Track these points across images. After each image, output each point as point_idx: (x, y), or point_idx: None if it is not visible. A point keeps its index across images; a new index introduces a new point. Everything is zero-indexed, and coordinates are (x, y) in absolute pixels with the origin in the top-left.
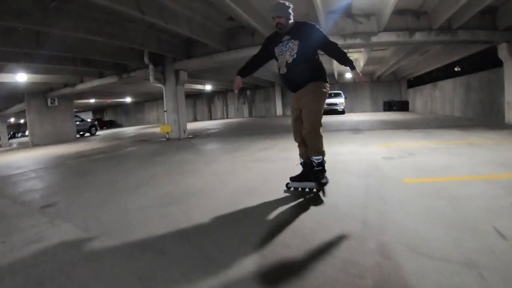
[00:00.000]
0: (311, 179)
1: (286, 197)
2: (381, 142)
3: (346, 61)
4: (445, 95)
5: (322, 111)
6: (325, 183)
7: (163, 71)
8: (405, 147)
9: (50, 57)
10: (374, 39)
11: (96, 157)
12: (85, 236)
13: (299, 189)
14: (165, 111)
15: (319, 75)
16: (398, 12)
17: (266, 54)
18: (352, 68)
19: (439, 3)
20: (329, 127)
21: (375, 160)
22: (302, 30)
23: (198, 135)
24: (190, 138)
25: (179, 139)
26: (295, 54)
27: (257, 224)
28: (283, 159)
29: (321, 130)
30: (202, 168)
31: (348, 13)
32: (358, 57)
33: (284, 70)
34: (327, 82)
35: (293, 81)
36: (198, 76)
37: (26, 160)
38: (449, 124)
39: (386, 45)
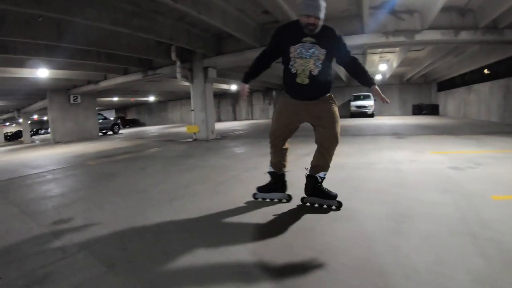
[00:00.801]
0: (309, 193)
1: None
2: (434, 149)
3: (368, 79)
4: (480, 99)
5: None
6: (337, 196)
7: (191, 68)
8: (466, 155)
9: (72, 51)
10: (418, 37)
11: (119, 158)
12: (108, 277)
13: (267, 200)
14: (192, 110)
15: (331, 86)
16: (443, 9)
17: (277, 52)
18: (373, 85)
19: (486, 0)
20: (365, 131)
21: (442, 171)
22: (331, 38)
23: (227, 136)
24: (219, 139)
25: (207, 140)
26: (321, 65)
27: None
28: (332, 166)
29: None
30: (245, 176)
31: (391, 9)
32: (392, 58)
33: (306, 80)
34: None
35: (312, 93)
36: (223, 75)
37: (45, 159)
38: (494, 130)
39: (430, 44)
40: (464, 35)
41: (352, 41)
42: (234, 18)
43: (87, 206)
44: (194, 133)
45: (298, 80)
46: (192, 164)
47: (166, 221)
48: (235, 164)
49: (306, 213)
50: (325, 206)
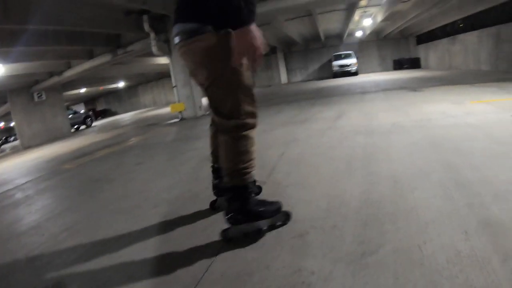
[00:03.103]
0: None
1: None
2: (470, 98)
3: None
4: (467, 49)
5: None
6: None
7: (167, 39)
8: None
9: (26, 35)
10: None
11: (103, 154)
12: None
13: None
14: (175, 87)
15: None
16: None
17: None
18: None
19: None
20: (369, 88)
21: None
22: None
23: None
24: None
25: (196, 117)
26: None
27: None
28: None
29: None
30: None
31: None
32: (375, 12)
33: None
34: None
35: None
36: None
37: (12, 171)
38: (500, 77)
39: None
40: None
41: None
42: None
43: (79, 253)
44: (180, 112)
45: None
46: (201, 151)
47: None
48: (265, 137)
49: None
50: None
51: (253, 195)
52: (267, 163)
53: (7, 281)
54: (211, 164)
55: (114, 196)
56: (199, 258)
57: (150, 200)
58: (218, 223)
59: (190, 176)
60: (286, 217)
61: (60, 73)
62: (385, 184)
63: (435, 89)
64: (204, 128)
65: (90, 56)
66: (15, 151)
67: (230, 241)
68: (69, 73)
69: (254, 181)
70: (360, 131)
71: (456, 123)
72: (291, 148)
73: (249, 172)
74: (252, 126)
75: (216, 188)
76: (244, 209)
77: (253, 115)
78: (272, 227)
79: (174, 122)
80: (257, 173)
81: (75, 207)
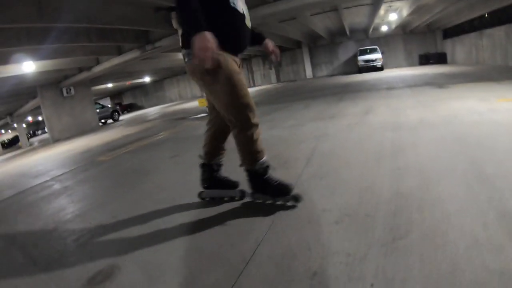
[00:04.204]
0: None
1: None
2: (496, 96)
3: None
4: (495, 44)
5: None
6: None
7: None
8: None
9: (58, 33)
10: None
11: (135, 147)
12: None
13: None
14: None
15: None
16: None
17: None
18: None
19: None
20: (396, 84)
21: None
22: None
23: None
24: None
25: None
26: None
27: None
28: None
29: None
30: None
31: None
32: (401, 6)
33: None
34: None
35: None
36: None
37: (46, 162)
38: None
39: None
40: None
41: None
42: None
43: (128, 240)
44: (207, 106)
45: (248, 23)
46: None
47: None
48: (290, 135)
49: None
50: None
51: (267, 176)
52: (301, 157)
53: (60, 263)
54: (202, 161)
55: (155, 187)
56: (245, 241)
57: (191, 191)
58: (260, 209)
59: (226, 168)
60: (296, 199)
61: (89, 68)
62: (412, 177)
63: (461, 85)
64: None
65: (119, 52)
66: (45, 144)
67: (203, 199)
68: (98, 69)
69: (267, 166)
70: (388, 127)
71: (482, 120)
72: (322, 142)
73: (259, 159)
74: (255, 124)
75: (209, 181)
76: (262, 187)
77: (253, 114)
78: (243, 195)
79: (202, 116)
80: (293, 166)
81: (118, 197)
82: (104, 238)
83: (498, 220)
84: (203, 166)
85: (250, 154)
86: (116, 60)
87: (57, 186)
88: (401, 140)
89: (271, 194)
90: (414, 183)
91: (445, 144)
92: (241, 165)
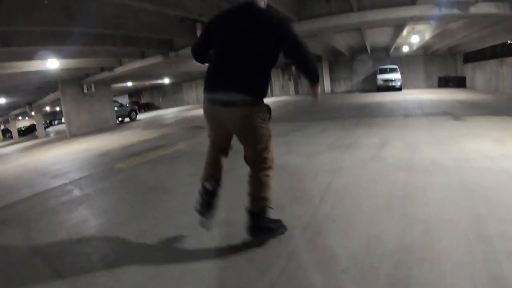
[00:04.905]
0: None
1: None
2: (510, 137)
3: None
4: None
5: None
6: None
7: None
8: None
9: (84, 36)
10: (472, 10)
11: (153, 157)
12: None
13: None
14: None
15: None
16: None
17: None
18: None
19: None
20: (412, 110)
21: None
22: None
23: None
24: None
25: None
26: None
27: None
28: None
29: None
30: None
31: None
32: (423, 29)
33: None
34: None
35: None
36: None
37: (64, 161)
38: None
39: (483, 17)
40: None
41: (398, 14)
42: None
43: (151, 263)
44: None
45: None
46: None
47: None
48: (311, 162)
49: None
50: None
51: (266, 215)
52: (316, 193)
53: (88, 282)
54: (208, 188)
55: (175, 209)
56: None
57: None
58: (286, 243)
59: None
60: (284, 229)
61: (111, 68)
62: (417, 229)
63: (478, 119)
64: None
65: (142, 56)
66: (62, 137)
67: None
68: (119, 70)
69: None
70: (402, 165)
71: (493, 168)
72: (337, 177)
73: (267, 201)
74: (272, 167)
75: (210, 207)
76: (261, 226)
77: (272, 160)
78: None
79: None
80: (307, 202)
81: (139, 216)
82: (129, 261)
83: (488, 283)
84: (207, 190)
85: (266, 193)
86: (138, 63)
87: (77, 192)
88: (412, 184)
89: (270, 233)
90: (418, 235)
91: (453, 193)
92: (251, 209)
